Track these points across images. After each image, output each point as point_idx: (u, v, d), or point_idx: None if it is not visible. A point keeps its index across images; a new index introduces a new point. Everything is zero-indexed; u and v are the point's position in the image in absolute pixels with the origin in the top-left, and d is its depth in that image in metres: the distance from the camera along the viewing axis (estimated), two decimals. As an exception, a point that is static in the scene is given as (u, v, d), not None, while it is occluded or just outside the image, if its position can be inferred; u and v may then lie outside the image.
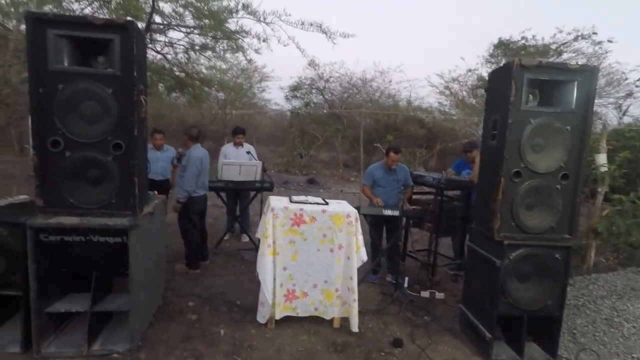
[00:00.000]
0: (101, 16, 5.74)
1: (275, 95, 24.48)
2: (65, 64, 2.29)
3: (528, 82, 2.51)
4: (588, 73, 2.50)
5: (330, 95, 13.87)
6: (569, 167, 2.60)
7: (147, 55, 6.98)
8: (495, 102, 2.73)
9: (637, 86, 10.56)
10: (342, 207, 3.00)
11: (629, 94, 10.84)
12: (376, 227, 4.04)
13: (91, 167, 2.34)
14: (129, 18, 5.21)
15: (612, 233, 4.16)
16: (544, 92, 2.65)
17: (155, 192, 2.99)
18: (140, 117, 2.43)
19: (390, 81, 13.54)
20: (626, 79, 10.52)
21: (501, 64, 10.95)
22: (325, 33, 5.33)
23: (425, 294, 3.81)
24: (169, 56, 6.88)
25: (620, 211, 4.16)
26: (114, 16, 5.35)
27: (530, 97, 2.64)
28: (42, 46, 2.21)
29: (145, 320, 2.74)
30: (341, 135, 13.28)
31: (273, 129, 18.42)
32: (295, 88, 13.87)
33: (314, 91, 13.81)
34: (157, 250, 3.01)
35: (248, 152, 4.96)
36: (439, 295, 3.79)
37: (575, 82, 2.50)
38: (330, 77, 13.07)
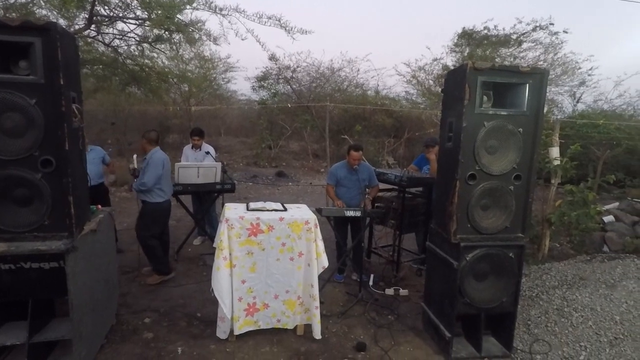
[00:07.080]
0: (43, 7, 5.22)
1: (241, 86, 23.77)
2: (-21, 70, 2.03)
3: (482, 85, 2.50)
4: (539, 76, 2.52)
5: (297, 85, 13.59)
6: (522, 168, 2.64)
7: (98, 48, 6.51)
8: (451, 104, 2.72)
9: (589, 75, 11.15)
10: (300, 214, 2.92)
11: (582, 83, 11.44)
12: (340, 227, 4.01)
13: (17, 187, 2.11)
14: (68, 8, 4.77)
15: (564, 223, 4.36)
16: (498, 93, 2.66)
17: (99, 206, 2.78)
18: (72, 129, 2.21)
19: (358, 70, 13.47)
20: (580, 68, 11.05)
21: (464, 54, 11.15)
22: (284, 28, 5.11)
23: (389, 291, 3.85)
24: (120, 49, 6.40)
25: (571, 201, 4.36)
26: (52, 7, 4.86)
27: (485, 98, 2.64)
28: (-53, 51, 1.94)
29: (94, 346, 2.57)
30: (310, 125, 13.12)
31: (241, 120, 17.91)
32: (261, 79, 13.44)
33: (281, 81, 13.46)
34: (106, 267, 2.81)
35: (207, 153, 4.76)
36: (403, 292, 3.84)
37: (527, 85, 2.52)
38: (298, 67, 12.78)
